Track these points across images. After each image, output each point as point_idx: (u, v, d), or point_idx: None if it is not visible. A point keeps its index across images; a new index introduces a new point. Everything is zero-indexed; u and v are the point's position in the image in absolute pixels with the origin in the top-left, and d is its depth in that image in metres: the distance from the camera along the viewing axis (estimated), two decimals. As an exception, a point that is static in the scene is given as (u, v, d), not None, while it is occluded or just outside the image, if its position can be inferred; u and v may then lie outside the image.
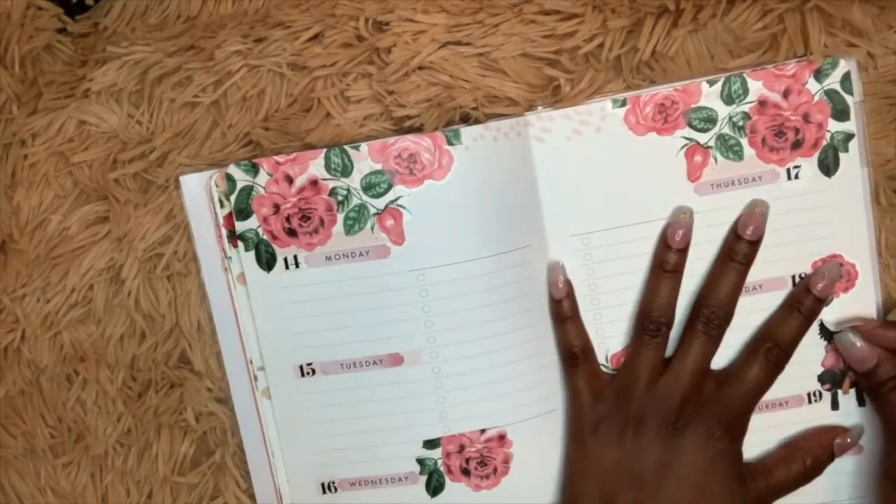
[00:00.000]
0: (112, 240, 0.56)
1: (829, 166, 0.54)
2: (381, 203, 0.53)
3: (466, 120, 0.54)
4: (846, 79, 0.53)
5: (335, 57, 0.54)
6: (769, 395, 0.54)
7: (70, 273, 0.56)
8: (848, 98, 0.53)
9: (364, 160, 0.53)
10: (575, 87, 0.54)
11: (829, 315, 0.55)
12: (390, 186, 0.53)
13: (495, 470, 0.55)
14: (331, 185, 0.53)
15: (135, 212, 0.55)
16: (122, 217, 0.55)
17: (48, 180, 0.56)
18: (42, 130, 0.55)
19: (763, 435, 0.56)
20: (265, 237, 0.54)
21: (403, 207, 0.53)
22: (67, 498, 0.58)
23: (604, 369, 0.56)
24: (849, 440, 0.54)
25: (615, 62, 0.54)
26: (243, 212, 0.54)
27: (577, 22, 0.53)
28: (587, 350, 0.55)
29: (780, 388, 0.55)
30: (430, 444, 0.55)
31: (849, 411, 0.56)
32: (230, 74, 0.54)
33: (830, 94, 0.53)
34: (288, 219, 0.54)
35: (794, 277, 0.55)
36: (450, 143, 0.53)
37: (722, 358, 0.55)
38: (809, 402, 0.56)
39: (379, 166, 0.53)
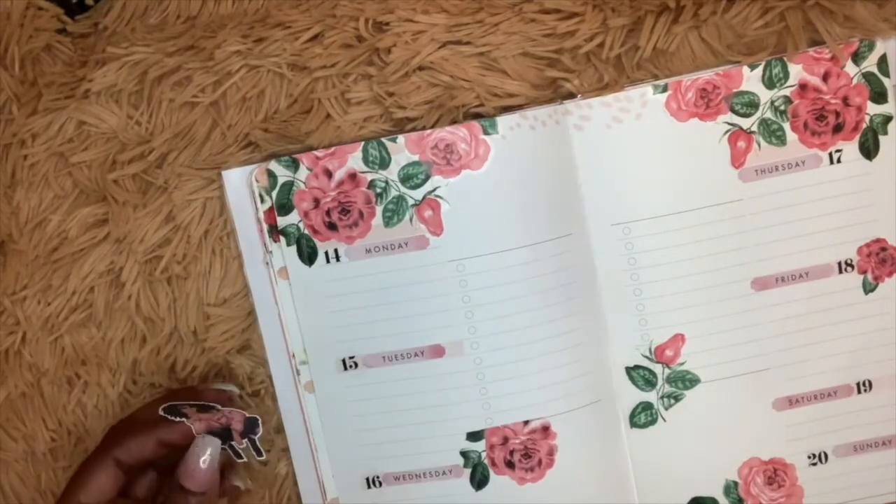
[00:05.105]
0: (112, 242, 0.56)
1: (869, 149, 0.54)
2: (418, 194, 0.54)
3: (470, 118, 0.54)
4: (883, 61, 0.53)
5: (335, 57, 0.54)
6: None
7: (71, 276, 0.56)
8: (885, 80, 0.53)
9: (401, 152, 0.54)
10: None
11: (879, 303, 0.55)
12: (428, 177, 0.54)
13: (540, 462, 0.55)
14: (369, 177, 0.54)
15: (134, 213, 0.55)
16: (121, 218, 0.55)
17: (48, 180, 0.56)
18: (42, 131, 0.55)
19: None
20: (306, 231, 0.54)
21: (441, 198, 0.54)
22: (67, 501, 0.58)
23: (647, 361, 0.55)
24: None
25: (616, 61, 0.54)
26: (284, 207, 0.54)
27: (578, 21, 0.53)
28: None
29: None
30: (474, 436, 0.55)
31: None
32: (230, 75, 0.54)
33: (868, 76, 0.53)
34: (328, 213, 0.54)
35: (840, 264, 0.55)
36: (486, 133, 0.53)
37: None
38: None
39: (416, 157, 0.54)
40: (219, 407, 0.51)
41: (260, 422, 0.51)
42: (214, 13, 0.56)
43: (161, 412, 0.50)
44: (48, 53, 0.56)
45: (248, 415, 0.51)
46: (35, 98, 0.55)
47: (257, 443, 0.52)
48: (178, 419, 0.50)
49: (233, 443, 0.51)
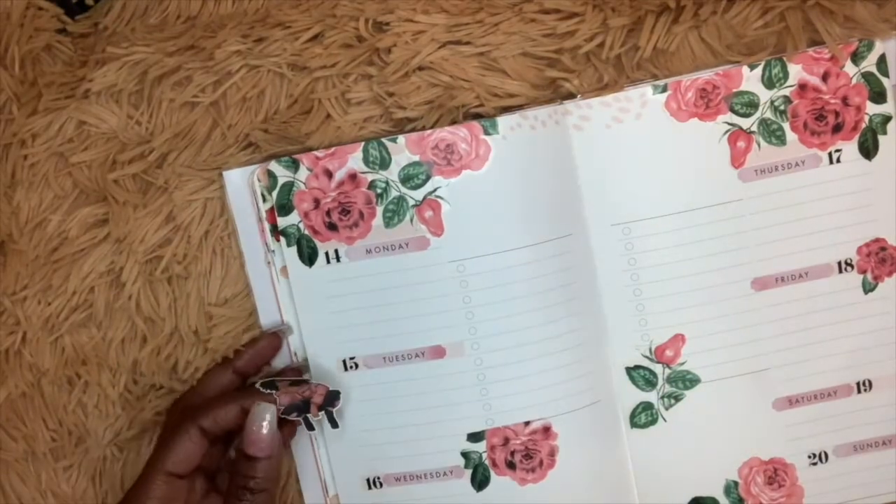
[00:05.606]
0: (112, 242, 0.56)
1: (868, 149, 0.54)
2: (419, 194, 0.54)
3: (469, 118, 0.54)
4: (882, 61, 0.53)
5: (335, 57, 0.54)
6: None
7: (71, 276, 0.56)
8: (884, 80, 0.53)
9: (401, 152, 0.54)
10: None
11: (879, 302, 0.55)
12: (428, 178, 0.54)
13: (541, 463, 0.55)
14: (369, 178, 0.54)
15: (134, 213, 0.55)
16: (121, 218, 0.55)
17: (48, 180, 0.56)
18: (42, 131, 0.55)
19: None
20: (306, 232, 0.54)
21: (442, 198, 0.54)
22: (68, 501, 0.58)
23: (647, 361, 0.55)
24: None
25: (616, 61, 0.54)
26: (285, 207, 0.54)
27: (578, 21, 0.53)
28: None
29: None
30: (475, 437, 0.55)
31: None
32: (230, 74, 0.54)
33: (867, 76, 0.53)
34: (328, 213, 0.54)
35: (839, 264, 0.55)
36: (486, 133, 0.53)
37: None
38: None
39: (416, 158, 0.54)
40: (309, 380, 0.53)
41: (340, 395, 0.53)
42: (214, 13, 0.56)
43: (258, 386, 0.52)
44: (48, 53, 0.56)
45: (330, 388, 0.53)
46: (35, 98, 0.55)
47: (334, 415, 0.53)
48: (268, 392, 0.51)
49: (308, 415, 0.52)
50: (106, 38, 0.56)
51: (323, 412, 0.53)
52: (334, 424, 0.54)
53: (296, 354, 0.56)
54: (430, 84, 0.54)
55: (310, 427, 0.53)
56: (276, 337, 0.56)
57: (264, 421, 0.51)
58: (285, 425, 0.54)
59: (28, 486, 0.58)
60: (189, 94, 0.55)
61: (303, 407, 0.52)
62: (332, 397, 0.53)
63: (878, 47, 0.53)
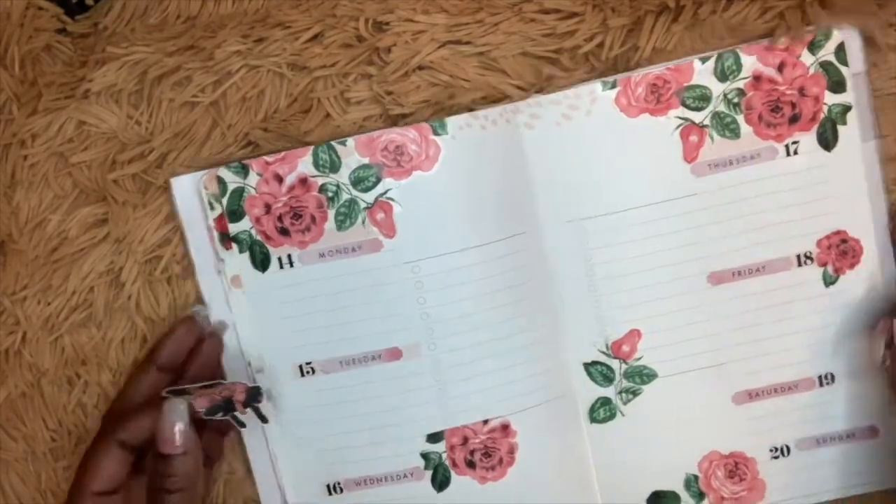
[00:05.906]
0: (112, 242, 0.56)
1: (828, 140, 0.53)
2: (370, 197, 0.54)
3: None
4: (840, 50, 0.52)
5: (335, 57, 0.54)
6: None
7: (71, 276, 0.56)
8: (844, 69, 0.53)
9: (351, 155, 0.53)
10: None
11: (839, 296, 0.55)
12: (379, 180, 0.53)
13: (501, 461, 0.55)
14: (320, 181, 0.54)
15: (133, 213, 0.55)
16: (120, 218, 0.55)
17: (48, 181, 0.55)
18: (42, 131, 0.55)
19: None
20: (258, 238, 0.54)
21: (393, 200, 0.54)
22: (68, 501, 0.58)
23: (604, 356, 0.55)
24: None
25: (615, 60, 0.54)
26: (236, 213, 0.54)
27: (578, 21, 0.53)
28: None
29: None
30: (434, 437, 0.55)
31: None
32: (230, 74, 0.54)
33: (825, 65, 0.53)
34: (280, 218, 0.54)
35: (798, 257, 0.54)
36: (436, 133, 0.53)
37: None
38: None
39: (366, 160, 0.53)
40: (222, 381, 0.52)
41: (262, 390, 0.52)
42: (214, 13, 0.56)
43: (166, 394, 0.50)
44: (48, 53, 0.56)
45: (249, 385, 0.52)
46: (35, 98, 0.55)
47: (260, 410, 0.53)
48: (181, 396, 0.51)
49: (236, 413, 0.52)
50: (106, 38, 0.55)
51: (250, 409, 0.53)
52: (263, 420, 0.54)
53: (249, 364, 0.55)
54: (430, 84, 0.54)
55: (240, 424, 0.53)
56: (190, 320, 0.55)
57: (175, 415, 0.50)
58: (207, 429, 0.54)
59: (28, 486, 0.58)
60: (189, 94, 0.54)
61: (226, 406, 0.52)
62: (255, 393, 0.52)
63: (836, 36, 0.52)
